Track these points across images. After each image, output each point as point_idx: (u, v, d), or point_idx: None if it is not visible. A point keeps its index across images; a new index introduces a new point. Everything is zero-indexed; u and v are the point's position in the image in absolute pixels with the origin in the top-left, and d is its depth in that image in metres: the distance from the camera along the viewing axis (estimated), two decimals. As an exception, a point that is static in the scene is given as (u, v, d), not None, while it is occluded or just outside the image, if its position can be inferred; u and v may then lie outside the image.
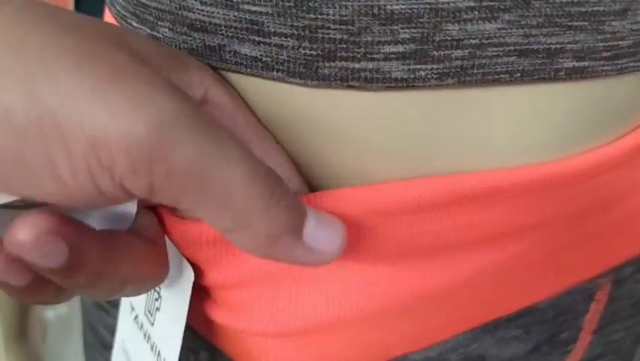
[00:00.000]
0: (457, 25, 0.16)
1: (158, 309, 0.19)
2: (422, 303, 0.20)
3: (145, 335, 0.20)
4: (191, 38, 0.18)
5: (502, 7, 0.16)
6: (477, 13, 0.16)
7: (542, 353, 0.26)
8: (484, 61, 0.16)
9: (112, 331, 0.30)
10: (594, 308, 0.26)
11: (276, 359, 0.21)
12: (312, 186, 0.20)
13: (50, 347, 0.54)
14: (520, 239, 0.20)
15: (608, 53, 0.17)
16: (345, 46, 0.16)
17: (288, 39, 0.16)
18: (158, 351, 0.19)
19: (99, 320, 0.31)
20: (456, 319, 0.22)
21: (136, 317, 0.20)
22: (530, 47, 0.16)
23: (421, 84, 0.16)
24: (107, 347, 0.31)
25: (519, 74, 0.17)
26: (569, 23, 0.16)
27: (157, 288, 0.19)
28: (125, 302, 0.22)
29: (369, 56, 0.16)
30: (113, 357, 0.23)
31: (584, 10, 0.16)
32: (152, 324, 0.20)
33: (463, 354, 0.23)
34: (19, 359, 0.37)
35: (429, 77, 0.16)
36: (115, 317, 0.28)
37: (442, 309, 0.21)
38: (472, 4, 0.16)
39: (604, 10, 0.17)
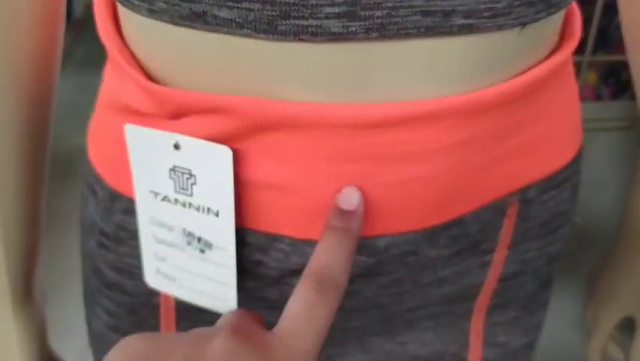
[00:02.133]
0: None
1: (194, 184, 0.27)
2: (375, 201, 0.28)
3: (184, 204, 0.27)
4: (181, 7, 0.24)
5: None
6: None
7: (462, 257, 0.33)
8: (398, 19, 0.24)
9: (114, 267, 0.34)
10: (507, 223, 0.33)
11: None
12: None
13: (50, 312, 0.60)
14: (446, 155, 0.27)
15: (488, 13, 0.25)
16: (296, 8, 0.23)
17: (255, 3, 0.23)
18: (207, 208, 0.27)
19: (102, 259, 0.35)
20: (400, 220, 0.29)
21: (164, 198, 0.27)
22: (430, 8, 0.24)
23: (352, 37, 0.24)
24: (111, 286, 0.35)
25: (424, 29, 0.24)
26: None
27: (185, 171, 0.26)
28: (143, 191, 0.28)
29: (314, 16, 0.23)
30: (142, 240, 0.30)
31: None
32: (191, 195, 0.27)
33: (402, 248, 0.30)
34: (27, 320, 0.43)
35: (358, 31, 0.24)
36: (116, 253, 0.33)
37: (390, 210, 0.28)
38: None
39: None
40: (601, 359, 0.56)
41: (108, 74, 0.31)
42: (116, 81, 0.30)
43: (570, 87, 0.34)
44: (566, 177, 0.34)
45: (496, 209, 0.32)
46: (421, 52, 0.25)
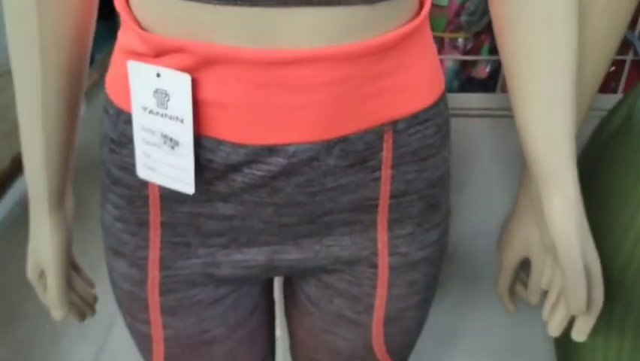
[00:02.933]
0: None
1: (168, 100, 0.42)
2: (282, 118, 0.43)
3: (162, 115, 0.43)
4: None
5: None
6: None
7: (356, 170, 0.48)
8: None
9: (119, 167, 0.49)
10: (386, 147, 0.48)
11: None
12: None
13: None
14: (328, 87, 0.42)
15: None
16: None
17: None
18: (176, 117, 0.42)
19: (111, 161, 0.50)
20: (301, 133, 0.44)
21: (150, 111, 0.43)
22: None
23: (261, 3, 0.39)
24: (116, 182, 0.50)
25: (303, 2, 0.39)
26: None
27: (163, 91, 0.42)
28: (137, 107, 0.44)
29: None
30: (135, 142, 0.45)
31: None
32: (166, 108, 0.42)
33: (307, 154, 0.45)
34: (59, 222, 0.58)
35: (265, 1, 0.39)
36: (120, 155, 0.48)
37: (293, 125, 0.44)
38: None
39: None
40: (508, 295, 0.70)
41: (121, 32, 0.47)
42: (124, 35, 0.46)
43: (428, 46, 0.49)
44: (428, 117, 0.49)
45: (375, 134, 0.47)
46: (304, 16, 0.40)
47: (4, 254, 1.88)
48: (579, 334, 0.55)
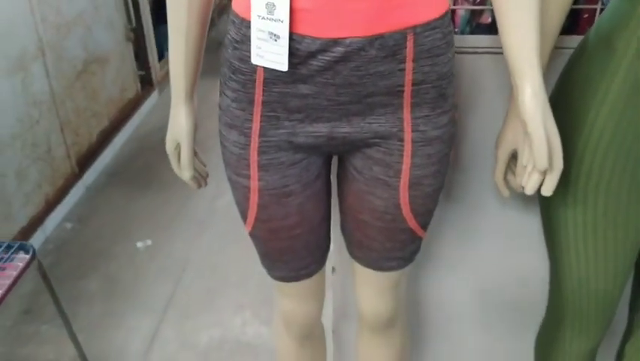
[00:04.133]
0: None
1: (274, 9, 0.71)
2: (342, 18, 0.71)
3: (270, 19, 0.70)
4: None
5: None
6: None
7: (388, 60, 0.74)
8: None
9: (239, 59, 0.75)
10: (408, 45, 0.75)
11: None
12: None
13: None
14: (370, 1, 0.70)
15: None
16: None
17: None
18: (278, 19, 0.69)
19: (233, 56, 0.76)
20: (353, 30, 0.71)
21: (263, 17, 0.70)
22: None
23: None
24: (235, 71, 0.77)
25: None
26: None
27: (270, 3, 0.70)
28: (255, 15, 0.73)
29: None
30: (252, 39, 0.74)
31: None
32: (273, 15, 0.70)
33: (357, 45, 0.73)
34: (190, 109, 0.91)
35: None
36: (240, 50, 0.76)
37: (349, 24, 0.71)
38: None
39: None
40: (503, 182, 0.95)
41: None
42: None
43: None
44: (437, 26, 0.75)
45: (401, 34, 0.73)
46: None
47: (96, 207, 2.25)
48: (546, 190, 0.79)
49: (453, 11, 0.99)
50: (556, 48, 0.90)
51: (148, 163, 2.52)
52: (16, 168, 1.92)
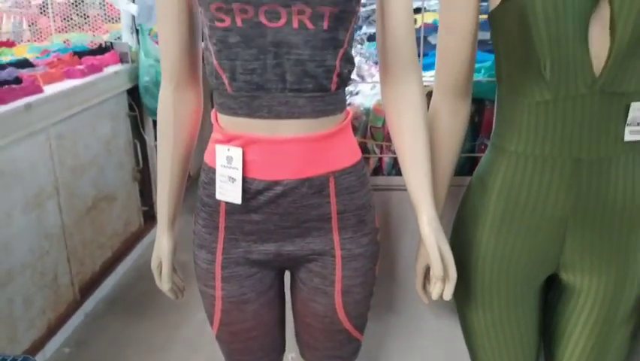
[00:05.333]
0: None
1: (232, 160, 0.99)
2: (282, 165, 0.99)
3: (229, 167, 0.98)
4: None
5: None
6: None
7: (317, 195, 1.00)
8: None
9: (207, 195, 1.04)
10: (331, 185, 1.02)
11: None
12: None
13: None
14: (305, 152, 0.97)
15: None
16: None
17: None
18: (235, 168, 0.96)
19: (204, 193, 1.05)
20: (290, 173, 0.99)
21: (224, 166, 0.97)
22: None
23: (276, 117, 0.98)
24: (204, 204, 1.04)
25: (297, 116, 0.98)
26: None
27: (230, 157, 0.98)
28: (219, 165, 1.01)
29: None
30: (217, 181, 1.01)
31: None
32: (231, 164, 0.98)
33: (292, 185, 1.00)
34: (171, 236, 1.18)
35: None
36: (208, 189, 1.02)
37: (286, 168, 0.99)
38: None
39: None
40: (423, 291, 1.17)
41: (213, 132, 1.06)
42: (215, 133, 1.04)
43: (350, 136, 1.04)
44: (351, 171, 1.03)
45: (325, 177, 1.00)
46: (294, 125, 0.98)
47: (94, 333, 2.40)
48: (446, 295, 1.02)
49: (380, 159, 1.29)
50: (457, 186, 1.18)
51: (145, 291, 2.73)
52: (24, 294, 2.15)
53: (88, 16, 3.91)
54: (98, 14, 4.02)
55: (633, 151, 1.01)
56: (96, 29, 3.80)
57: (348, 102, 1.52)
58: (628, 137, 0.99)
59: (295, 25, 0.92)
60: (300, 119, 0.97)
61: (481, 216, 1.07)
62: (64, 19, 3.93)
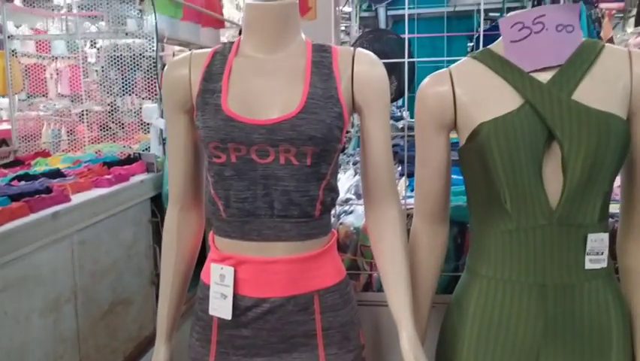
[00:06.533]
0: None
1: (224, 278, 1.10)
2: (269, 283, 1.10)
3: (221, 285, 1.10)
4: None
5: None
6: None
7: (302, 313, 1.11)
8: None
9: (202, 310, 1.15)
10: (316, 303, 1.12)
11: None
12: None
13: None
14: (291, 272, 1.09)
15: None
16: None
17: None
18: (226, 285, 1.08)
19: (199, 308, 1.16)
20: (276, 291, 1.09)
21: (216, 283, 1.09)
22: None
23: (262, 240, 1.10)
24: (199, 318, 1.17)
25: (285, 238, 1.10)
26: None
27: (223, 274, 1.09)
28: (212, 282, 1.12)
29: None
30: (210, 297, 1.12)
31: None
32: (223, 282, 1.09)
33: (278, 302, 1.10)
34: (168, 349, 1.26)
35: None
36: (203, 304, 1.15)
37: (273, 287, 1.10)
38: None
39: None
40: None
41: (210, 253, 1.18)
42: (211, 253, 1.17)
43: (335, 256, 1.15)
44: (336, 289, 1.13)
45: (310, 295, 1.11)
46: (280, 248, 1.10)
47: None
48: None
49: (370, 276, 1.39)
50: (442, 304, 1.26)
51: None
52: (35, 397, 2.21)
53: (124, 125, 4.22)
54: (133, 122, 4.34)
55: (596, 278, 1.09)
56: (129, 139, 4.09)
57: (340, 221, 1.64)
58: (588, 265, 1.08)
59: (282, 161, 1.07)
60: (286, 241, 1.09)
61: (459, 337, 1.14)
62: (101, 127, 4.24)
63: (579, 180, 1.03)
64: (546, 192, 1.05)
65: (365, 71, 1.16)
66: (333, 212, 1.77)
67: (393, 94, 2.79)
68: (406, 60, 1.68)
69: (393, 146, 1.52)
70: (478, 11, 3.22)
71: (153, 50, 3.37)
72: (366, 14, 3.37)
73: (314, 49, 1.17)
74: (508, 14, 1.14)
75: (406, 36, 1.87)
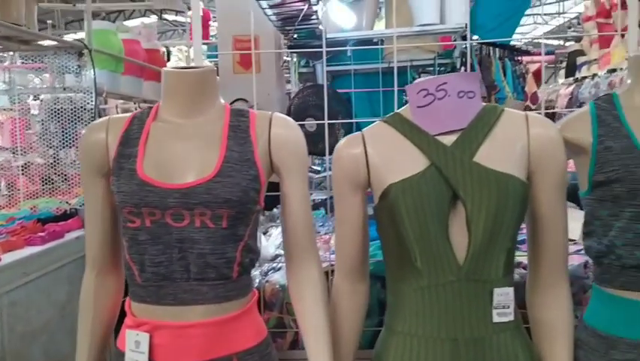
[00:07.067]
0: None
1: (139, 344, 1.09)
2: (185, 349, 1.10)
3: (136, 351, 1.09)
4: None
5: None
6: None
7: None
8: None
9: None
10: (231, 368, 1.12)
11: None
12: None
13: None
14: (208, 336, 1.09)
15: None
16: None
17: None
18: (141, 352, 1.08)
19: None
20: (194, 353, 1.09)
21: (131, 350, 1.08)
22: None
23: (179, 304, 1.10)
24: None
25: (201, 301, 1.11)
26: None
27: (138, 340, 1.08)
28: (127, 348, 1.11)
29: None
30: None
31: None
32: (138, 348, 1.08)
33: None
34: None
35: None
36: None
37: (190, 350, 1.09)
38: None
39: None
40: None
41: (126, 319, 1.17)
42: (127, 319, 1.16)
43: (256, 316, 1.16)
44: (255, 351, 1.14)
45: (229, 358, 1.11)
46: (196, 311, 1.10)
47: None
48: None
49: (296, 333, 1.39)
50: (367, 359, 1.28)
51: None
52: None
53: (67, 176, 4.13)
54: (77, 173, 4.26)
55: (504, 331, 1.13)
56: (69, 193, 4.00)
57: (266, 279, 1.66)
58: (496, 318, 1.12)
59: (197, 224, 1.08)
60: (203, 305, 1.09)
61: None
62: (43, 180, 4.13)
63: (482, 238, 1.08)
64: (453, 250, 1.10)
65: (281, 134, 1.20)
66: (261, 269, 1.79)
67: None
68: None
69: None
70: (412, 67, 3.36)
71: (92, 103, 3.36)
72: (304, 70, 3.47)
73: (232, 113, 1.21)
74: (415, 81, 1.21)
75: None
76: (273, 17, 2.48)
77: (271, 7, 2.29)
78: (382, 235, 1.19)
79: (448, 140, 1.15)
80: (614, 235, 1.17)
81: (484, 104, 1.20)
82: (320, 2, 2.39)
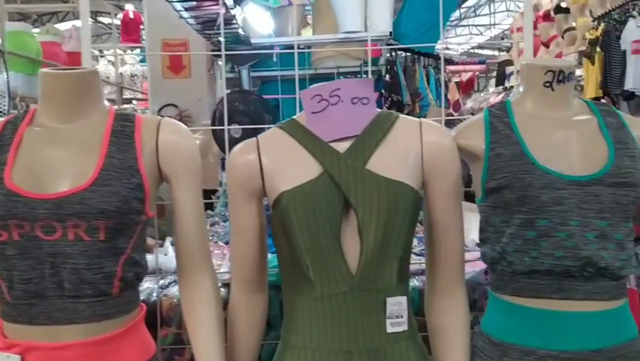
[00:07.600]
0: None
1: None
2: None
3: None
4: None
5: None
6: None
7: None
8: None
9: None
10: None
11: None
12: None
13: None
14: (85, 356, 1.03)
15: None
16: None
17: None
18: None
19: None
20: None
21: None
22: None
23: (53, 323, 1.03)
24: None
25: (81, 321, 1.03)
26: None
27: None
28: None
29: None
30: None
31: None
32: None
33: None
34: None
35: None
36: None
37: None
38: None
39: None
40: None
41: None
42: None
43: (145, 336, 1.10)
44: None
45: None
46: (72, 332, 1.03)
47: None
48: None
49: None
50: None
51: None
52: None
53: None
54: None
55: (398, 341, 1.11)
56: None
57: (164, 293, 1.58)
58: (390, 328, 1.10)
59: (71, 237, 1.01)
60: (80, 324, 1.03)
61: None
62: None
63: (374, 245, 1.06)
64: (345, 259, 1.07)
65: (170, 140, 1.15)
66: (161, 283, 1.71)
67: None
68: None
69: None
70: (338, 73, 3.36)
71: (5, 107, 3.20)
72: (230, 75, 3.41)
73: (116, 118, 1.14)
74: (310, 86, 1.18)
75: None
76: (191, 20, 2.42)
77: (187, 9, 2.23)
78: (277, 245, 1.15)
79: (342, 147, 1.13)
80: (506, 241, 1.17)
81: (379, 110, 1.18)
82: (237, 7, 2.34)
